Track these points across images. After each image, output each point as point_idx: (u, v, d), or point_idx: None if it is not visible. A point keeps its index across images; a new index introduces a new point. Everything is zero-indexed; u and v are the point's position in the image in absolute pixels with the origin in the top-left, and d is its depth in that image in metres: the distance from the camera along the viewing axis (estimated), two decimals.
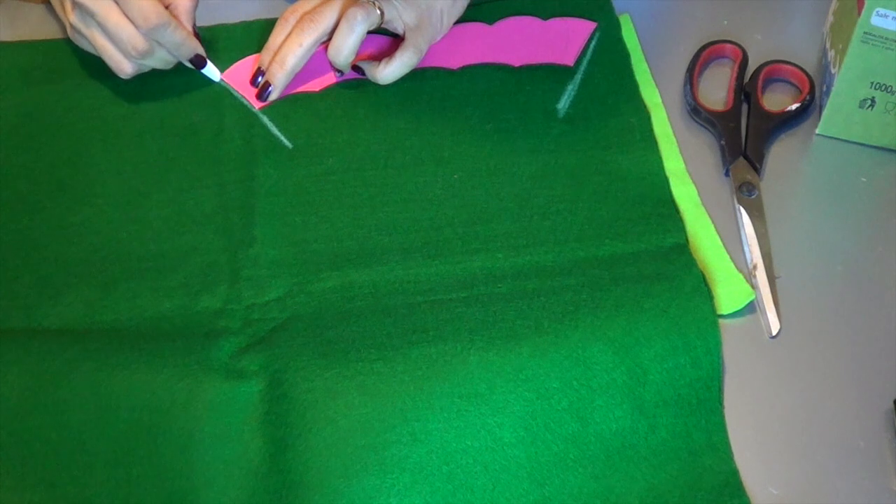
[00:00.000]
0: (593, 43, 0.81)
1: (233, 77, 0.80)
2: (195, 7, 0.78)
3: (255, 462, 0.61)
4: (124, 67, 0.76)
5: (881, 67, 0.71)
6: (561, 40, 0.81)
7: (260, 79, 0.78)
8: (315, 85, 0.79)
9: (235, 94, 0.79)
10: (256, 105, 0.78)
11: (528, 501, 0.60)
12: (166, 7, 0.76)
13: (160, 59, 0.77)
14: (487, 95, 0.78)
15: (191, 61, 0.78)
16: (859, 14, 0.69)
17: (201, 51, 0.78)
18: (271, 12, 0.83)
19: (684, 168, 0.75)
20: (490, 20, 0.83)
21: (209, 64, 0.79)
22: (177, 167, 0.75)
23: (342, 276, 0.69)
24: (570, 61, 0.80)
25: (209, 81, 0.79)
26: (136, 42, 0.74)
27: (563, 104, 0.78)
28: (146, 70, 0.78)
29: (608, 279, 0.67)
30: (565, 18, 0.82)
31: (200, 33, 0.79)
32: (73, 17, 0.76)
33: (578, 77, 0.79)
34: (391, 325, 0.66)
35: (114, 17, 0.73)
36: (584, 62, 0.80)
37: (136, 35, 0.74)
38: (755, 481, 0.61)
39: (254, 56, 0.81)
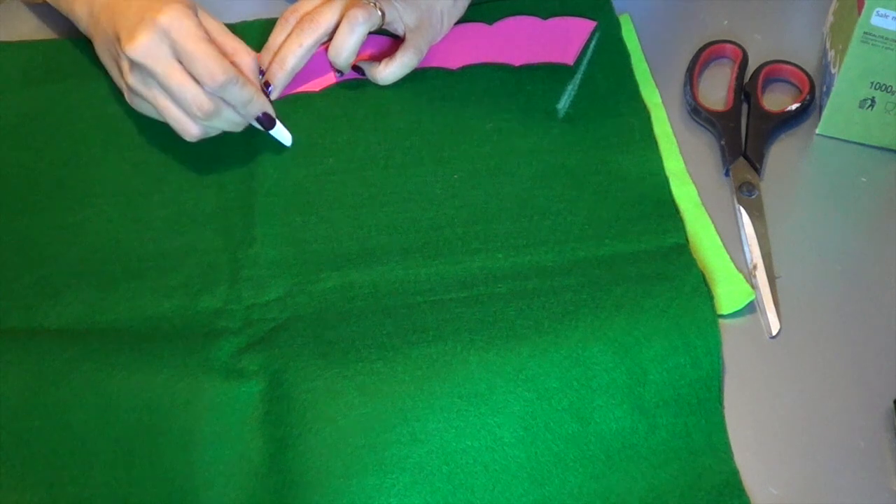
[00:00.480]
0: (593, 42, 0.81)
1: None
2: (257, 68, 0.75)
3: (255, 462, 0.61)
4: (191, 130, 0.72)
5: (881, 67, 0.71)
6: (561, 40, 0.81)
7: (260, 78, 0.77)
8: (315, 85, 0.79)
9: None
10: None
11: (528, 501, 0.60)
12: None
13: (228, 120, 0.72)
14: (487, 95, 0.78)
15: (258, 120, 0.73)
16: (859, 14, 0.69)
17: (270, 109, 0.74)
18: (271, 12, 0.83)
19: (684, 168, 0.75)
20: (490, 20, 0.83)
21: (279, 124, 0.74)
22: (177, 167, 0.75)
23: (342, 276, 0.69)
24: (569, 60, 0.80)
25: (280, 146, 0.76)
26: (202, 102, 0.69)
27: (563, 104, 0.78)
28: (214, 133, 0.74)
29: (608, 279, 0.67)
30: (565, 18, 0.82)
31: None
32: (131, 79, 0.71)
33: (578, 77, 0.79)
34: (391, 325, 0.66)
35: (177, 77, 0.68)
36: (584, 62, 0.80)
37: (201, 95, 0.69)
38: (755, 481, 0.61)
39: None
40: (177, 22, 0.68)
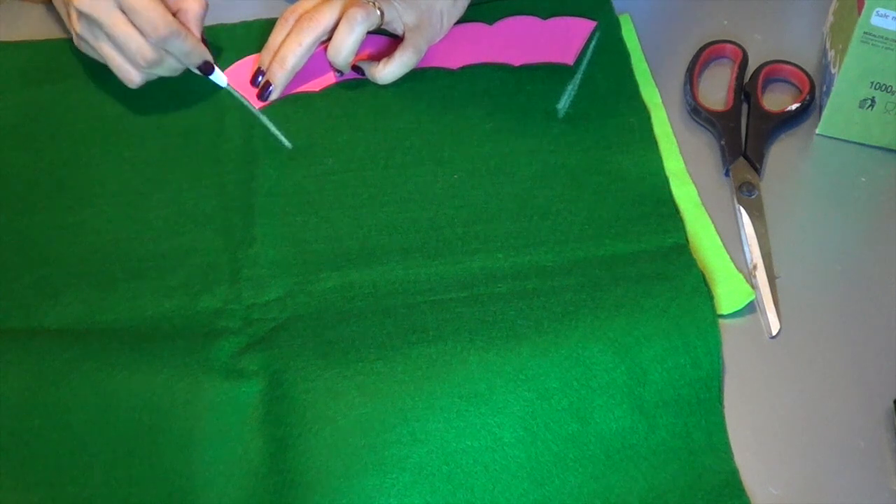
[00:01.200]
0: (593, 42, 0.81)
1: (233, 77, 0.80)
2: (205, 14, 0.78)
3: (255, 462, 0.61)
4: (132, 77, 0.76)
5: (881, 67, 0.71)
6: (561, 40, 0.81)
7: (260, 78, 0.78)
8: (315, 85, 0.79)
9: (235, 94, 0.79)
10: (256, 105, 0.78)
11: (528, 501, 0.60)
12: (174, 13, 0.75)
13: (168, 68, 0.77)
14: (487, 95, 0.78)
15: (199, 68, 0.78)
16: (859, 14, 0.69)
17: (210, 58, 0.78)
18: (271, 12, 0.83)
19: (684, 168, 0.75)
20: (490, 20, 0.83)
21: (216, 70, 0.79)
22: (177, 167, 0.75)
23: (342, 276, 0.69)
24: (570, 60, 0.80)
25: (215, 86, 0.79)
26: (145, 52, 0.73)
27: (563, 104, 0.78)
28: (154, 78, 0.78)
29: (608, 279, 0.67)
30: (565, 18, 0.82)
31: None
32: (78, 27, 0.75)
33: (578, 77, 0.79)
34: (391, 325, 0.66)
35: (121, 28, 0.72)
36: (584, 62, 0.80)
37: (144, 45, 0.73)
38: (755, 481, 0.61)
39: (254, 56, 0.81)
40: None
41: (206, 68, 0.78)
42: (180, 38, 0.74)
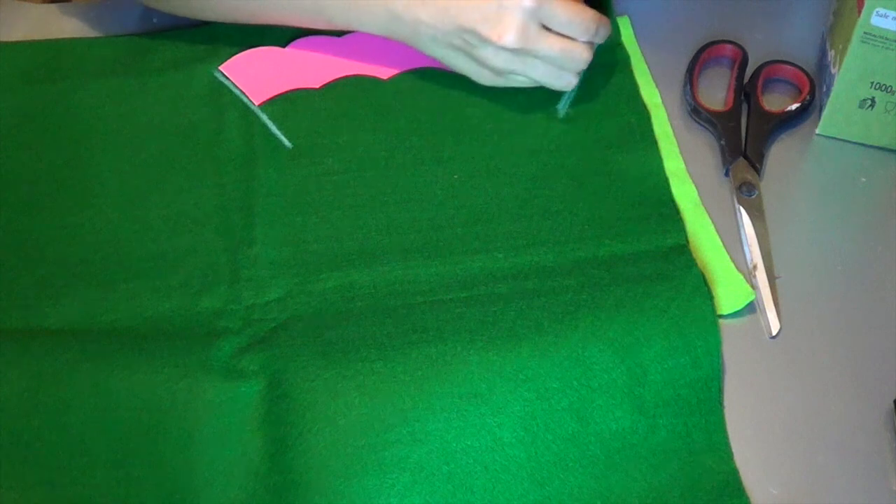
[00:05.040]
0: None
1: (232, 70, 0.80)
2: None
3: (255, 462, 0.61)
4: (572, 81, 0.75)
5: (881, 67, 0.71)
6: None
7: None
8: (315, 81, 0.79)
9: (234, 88, 0.79)
10: (256, 101, 0.78)
11: (528, 501, 0.60)
12: None
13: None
14: (487, 95, 0.78)
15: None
16: (859, 14, 0.69)
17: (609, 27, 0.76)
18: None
19: (684, 168, 0.75)
20: None
21: None
22: (177, 167, 0.75)
23: (342, 276, 0.69)
24: None
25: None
26: (585, 56, 0.73)
27: (563, 104, 0.78)
28: None
29: (608, 279, 0.67)
30: None
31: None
32: (499, 63, 0.73)
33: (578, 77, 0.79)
34: (391, 325, 0.66)
35: (557, 45, 0.71)
36: None
37: (581, 50, 0.72)
38: (755, 481, 0.61)
39: (254, 49, 0.80)
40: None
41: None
42: (605, 24, 0.73)
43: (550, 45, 0.71)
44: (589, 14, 0.72)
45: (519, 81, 0.75)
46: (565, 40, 0.72)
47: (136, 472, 0.61)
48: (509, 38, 0.70)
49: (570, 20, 0.71)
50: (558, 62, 0.73)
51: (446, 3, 0.71)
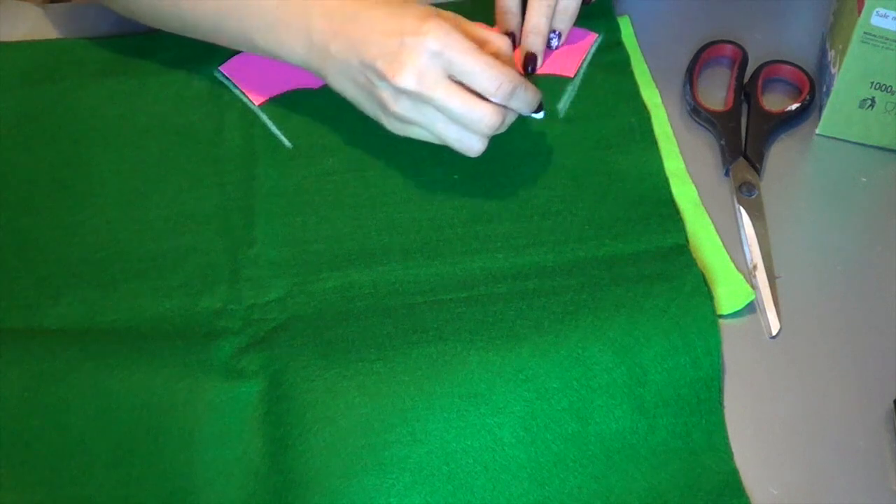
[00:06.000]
0: (594, 48, 0.81)
1: (232, 70, 0.79)
2: (511, 45, 0.70)
3: (255, 462, 0.61)
4: (477, 146, 0.67)
5: (881, 67, 0.71)
6: (563, 53, 0.81)
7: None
8: (315, 81, 0.79)
9: (234, 88, 0.79)
10: (256, 101, 0.78)
11: (528, 501, 0.60)
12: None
13: (506, 124, 0.67)
14: None
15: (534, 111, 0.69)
16: (859, 14, 0.69)
17: (541, 96, 0.69)
18: None
19: (684, 168, 0.75)
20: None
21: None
22: (177, 167, 0.75)
23: (342, 276, 0.69)
24: (570, 73, 0.79)
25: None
26: (490, 118, 0.64)
27: (563, 105, 0.78)
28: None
29: (608, 279, 0.67)
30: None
31: None
32: (398, 108, 0.65)
33: (578, 78, 0.79)
34: (391, 325, 0.66)
35: (458, 98, 0.64)
36: (585, 63, 0.80)
37: (487, 110, 0.64)
38: (755, 481, 0.61)
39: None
40: (445, 39, 0.63)
41: (541, 107, 0.69)
42: (523, 88, 0.65)
43: (449, 95, 0.64)
44: (505, 72, 0.64)
45: (421, 135, 0.69)
46: (470, 96, 0.64)
47: (136, 472, 0.61)
48: (405, 77, 0.63)
49: (475, 72, 0.63)
50: (460, 119, 0.65)
51: (355, 36, 0.66)
